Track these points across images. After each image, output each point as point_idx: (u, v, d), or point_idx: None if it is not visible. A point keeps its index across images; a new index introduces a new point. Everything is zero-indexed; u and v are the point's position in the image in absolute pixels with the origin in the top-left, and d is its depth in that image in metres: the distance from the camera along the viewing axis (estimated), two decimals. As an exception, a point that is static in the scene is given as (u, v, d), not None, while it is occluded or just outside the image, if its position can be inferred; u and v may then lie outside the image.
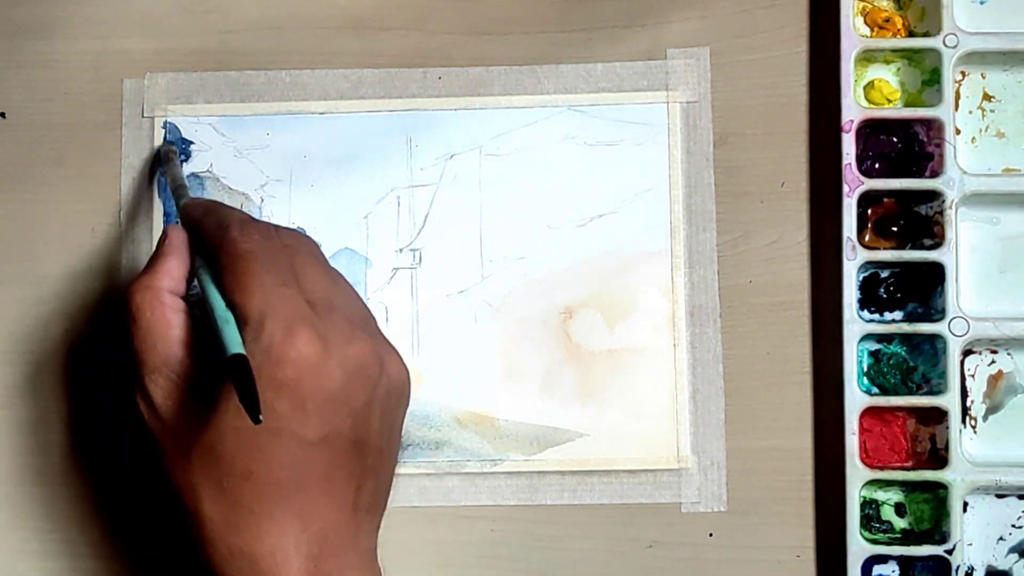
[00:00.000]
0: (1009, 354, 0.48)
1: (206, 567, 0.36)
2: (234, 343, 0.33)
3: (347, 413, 0.35)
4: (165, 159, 0.47)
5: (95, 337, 0.48)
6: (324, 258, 0.39)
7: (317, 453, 0.35)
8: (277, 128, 0.49)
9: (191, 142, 0.49)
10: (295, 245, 0.38)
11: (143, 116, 0.49)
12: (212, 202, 0.42)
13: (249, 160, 0.49)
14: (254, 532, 0.35)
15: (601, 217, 0.48)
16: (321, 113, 0.49)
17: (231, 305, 0.35)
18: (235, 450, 0.35)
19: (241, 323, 0.34)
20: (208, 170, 0.49)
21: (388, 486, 0.39)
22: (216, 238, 0.37)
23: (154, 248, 0.41)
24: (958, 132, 0.48)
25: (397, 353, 0.38)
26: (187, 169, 0.49)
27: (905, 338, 0.47)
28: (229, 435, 0.34)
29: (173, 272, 0.38)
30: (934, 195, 0.47)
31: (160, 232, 0.48)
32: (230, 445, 0.35)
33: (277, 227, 0.38)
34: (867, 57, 0.48)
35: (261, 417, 0.32)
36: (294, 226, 0.48)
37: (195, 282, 0.39)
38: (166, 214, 0.49)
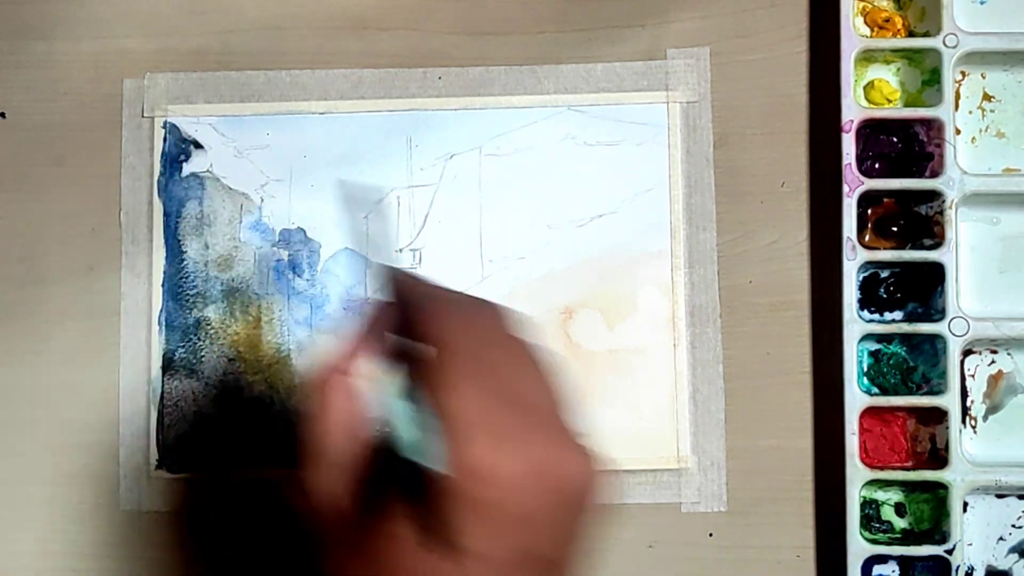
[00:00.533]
0: (1009, 354, 0.48)
1: None
2: (416, 443, 0.30)
3: (546, 535, 0.31)
4: (375, 212, 0.44)
5: (95, 337, 0.48)
6: (522, 333, 0.34)
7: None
8: (277, 128, 0.49)
9: (191, 142, 0.49)
10: (492, 325, 0.33)
11: (143, 116, 0.49)
12: (414, 276, 0.36)
13: (249, 160, 0.49)
14: None
15: (601, 217, 0.48)
16: (321, 113, 0.49)
17: (433, 405, 0.31)
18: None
19: (434, 429, 0.30)
20: (208, 170, 0.49)
21: None
22: (415, 322, 0.33)
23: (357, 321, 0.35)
24: (958, 132, 0.48)
25: (585, 449, 0.32)
26: (187, 169, 0.49)
27: (905, 338, 0.47)
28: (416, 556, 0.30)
29: (365, 356, 0.34)
30: (934, 195, 0.47)
31: (160, 231, 0.48)
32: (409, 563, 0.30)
33: (474, 301, 0.34)
34: (867, 57, 0.48)
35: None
36: (294, 227, 0.49)
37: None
38: (166, 214, 0.49)
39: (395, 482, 0.31)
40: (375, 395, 0.33)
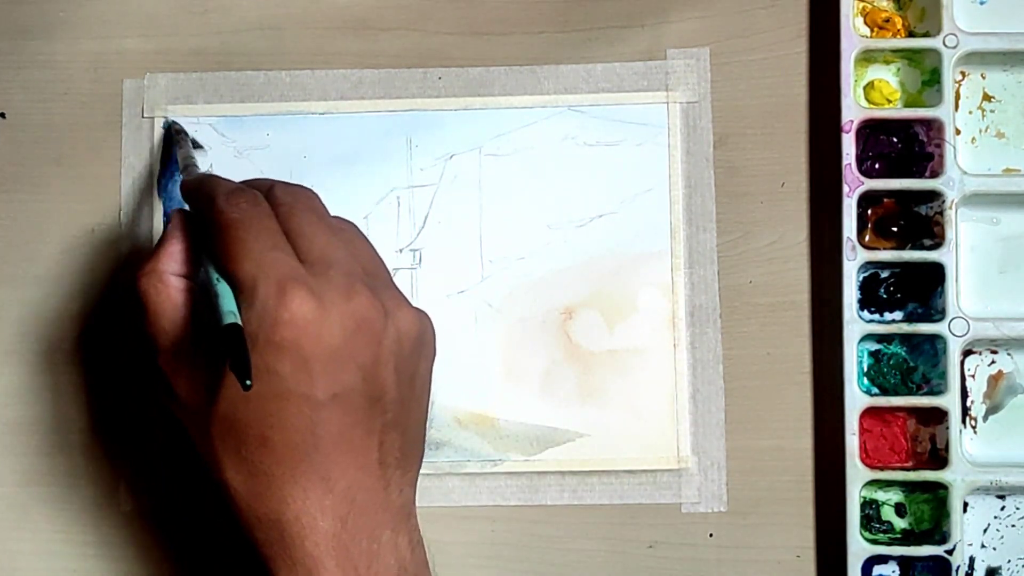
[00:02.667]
0: (1009, 354, 0.48)
1: (243, 538, 0.36)
2: (227, 313, 0.34)
3: (355, 368, 0.35)
4: (176, 139, 0.47)
5: (95, 337, 0.48)
6: (324, 211, 0.39)
7: (329, 412, 0.35)
8: (277, 128, 0.49)
9: (191, 142, 0.49)
10: (290, 203, 0.37)
11: (143, 116, 0.49)
12: (204, 176, 0.41)
13: (249, 160, 0.49)
14: (278, 498, 0.35)
15: (601, 217, 0.48)
16: (321, 113, 0.49)
17: (224, 275, 0.35)
18: (248, 418, 0.35)
19: (235, 291, 0.35)
20: (208, 170, 0.49)
21: (418, 438, 0.39)
22: (206, 211, 0.37)
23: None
24: (958, 132, 0.48)
25: (408, 303, 0.37)
26: (187, 169, 0.49)
27: (905, 338, 0.47)
28: (240, 404, 0.34)
29: (176, 254, 0.38)
30: (934, 195, 0.47)
31: (160, 231, 0.48)
32: (242, 414, 0.34)
33: (273, 185, 0.38)
34: (867, 57, 0.48)
35: (249, 383, 0.32)
36: (294, 226, 0.49)
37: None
38: (166, 214, 0.48)
39: (225, 350, 0.34)
40: (191, 281, 0.38)
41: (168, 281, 0.37)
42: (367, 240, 0.39)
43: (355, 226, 0.40)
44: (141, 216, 0.49)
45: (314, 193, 0.39)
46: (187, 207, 0.41)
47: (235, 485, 0.36)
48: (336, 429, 0.35)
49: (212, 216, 0.37)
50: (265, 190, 0.38)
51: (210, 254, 0.37)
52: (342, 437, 0.35)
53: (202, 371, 0.36)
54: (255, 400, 0.34)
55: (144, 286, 0.37)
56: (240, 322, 0.34)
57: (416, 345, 0.37)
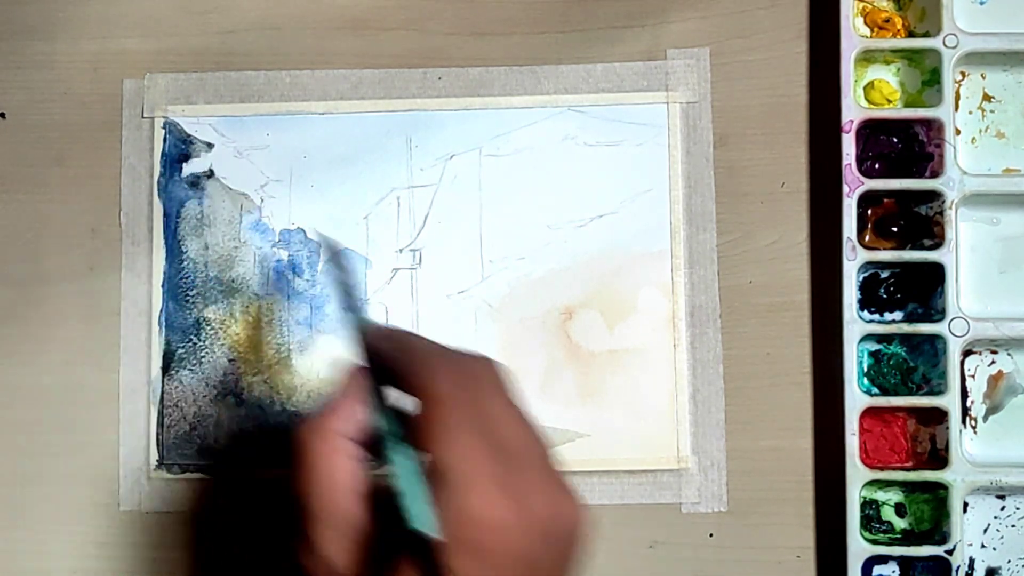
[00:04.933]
0: (1009, 354, 0.48)
1: None
2: (416, 515, 0.31)
3: (531, 574, 0.32)
4: (335, 263, 0.43)
5: (95, 337, 0.48)
6: (507, 384, 0.35)
7: None
8: (277, 128, 0.49)
9: (191, 142, 0.49)
10: (481, 377, 0.34)
11: (143, 116, 0.49)
12: (395, 331, 0.37)
13: (249, 160, 0.49)
14: None
15: (601, 217, 0.48)
16: (321, 113, 0.49)
17: (422, 454, 0.32)
18: None
19: (432, 476, 0.31)
20: (208, 170, 0.49)
21: None
22: (403, 377, 0.34)
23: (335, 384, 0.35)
24: (958, 132, 0.48)
25: (573, 494, 0.34)
26: (187, 170, 0.49)
27: (905, 338, 0.47)
28: None
29: (352, 415, 0.34)
30: (934, 195, 0.47)
31: (160, 231, 0.48)
32: None
33: (460, 355, 0.35)
34: (867, 57, 0.48)
35: None
36: (294, 227, 0.49)
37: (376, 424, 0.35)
38: (166, 214, 0.49)
39: (395, 536, 0.31)
40: (366, 452, 0.34)
41: (338, 444, 0.33)
42: (530, 414, 0.36)
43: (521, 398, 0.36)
44: (141, 216, 0.49)
45: (494, 363, 0.35)
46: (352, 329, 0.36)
47: None
48: None
49: (414, 384, 0.33)
50: (454, 358, 0.35)
51: (399, 422, 0.34)
52: None
53: (366, 553, 0.33)
54: None
55: (309, 444, 0.33)
56: (432, 529, 0.30)
57: (579, 540, 0.34)
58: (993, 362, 0.48)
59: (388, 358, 0.35)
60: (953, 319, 0.46)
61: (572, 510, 0.33)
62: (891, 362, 0.48)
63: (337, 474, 0.33)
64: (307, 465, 0.33)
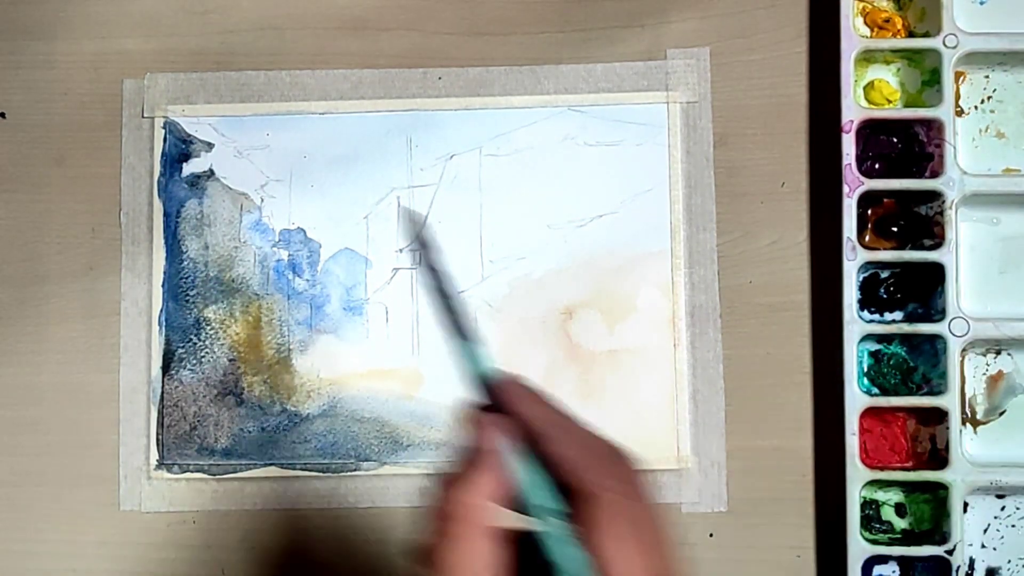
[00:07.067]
0: (1009, 354, 0.48)
1: None
2: None
3: None
4: (427, 259, 0.35)
5: (95, 337, 0.48)
6: (643, 476, 0.34)
7: None
8: (277, 128, 0.49)
9: (191, 142, 0.49)
10: (629, 470, 0.33)
11: (143, 116, 0.49)
12: (533, 394, 0.33)
13: (249, 160, 0.49)
14: None
15: (601, 217, 0.48)
16: (321, 113, 0.49)
17: (594, 558, 0.31)
18: None
19: (593, 566, 0.30)
20: (208, 170, 0.49)
21: None
22: (569, 471, 0.32)
23: (468, 442, 0.32)
24: (958, 124, 0.48)
25: None
26: (187, 169, 0.49)
27: (905, 338, 0.47)
28: None
29: (491, 489, 0.31)
30: (934, 195, 0.47)
31: (161, 231, 0.48)
32: None
33: (606, 444, 0.34)
34: (867, 57, 0.48)
35: None
36: (294, 227, 0.49)
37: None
38: (166, 214, 0.49)
39: None
40: (517, 534, 0.32)
41: (481, 523, 0.31)
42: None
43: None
44: (141, 216, 0.49)
45: (629, 452, 0.34)
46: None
47: None
48: None
49: (578, 479, 0.31)
50: (602, 446, 0.33)
51: (550, 491, 0.32)
52: None
53: None
54: None
55: (453, 517, 0.31)
56: None
57: None
58: (993, 362, 0.48)
59: (527, 425, 0.32)
60: (953, 319, 0.46)
61: None
62: (891, 362, 0.48)
63: (479, 559, 0.30)
64: (448, 543, 0.30)
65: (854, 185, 0.46)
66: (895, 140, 0.48)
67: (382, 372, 0.48)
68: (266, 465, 0.47)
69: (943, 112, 0.47)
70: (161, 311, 0.48)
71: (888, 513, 0.47)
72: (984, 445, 0.48)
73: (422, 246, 0.35)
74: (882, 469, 0.46)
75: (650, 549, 0.32)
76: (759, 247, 0.48)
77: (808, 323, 0.48)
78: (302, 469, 0.47)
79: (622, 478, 0.33)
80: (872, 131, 0.48)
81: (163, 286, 0.48)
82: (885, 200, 0.48)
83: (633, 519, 0.32)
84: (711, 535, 0.47)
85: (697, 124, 0.48)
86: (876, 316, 0.48)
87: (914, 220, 0.48)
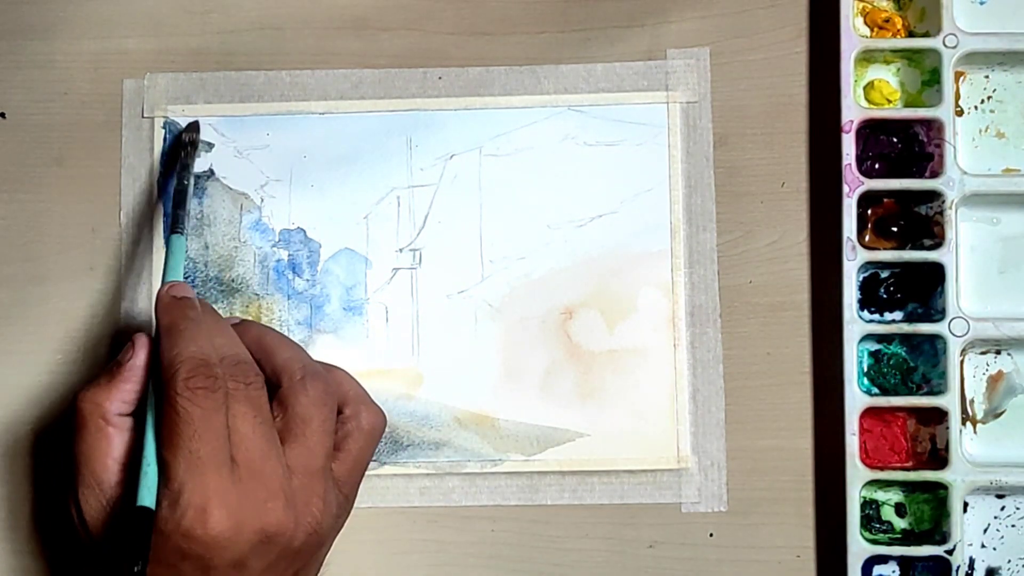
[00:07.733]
0: (1009, 354, 0.48)
1: None
2: (145, 495, 0.35)
3: (254, 572, 0.36)
4: (187, 151, 0.47)
5: (95, 337, 0.48)
6: (264, 397, 0.38)
7: None
8: (277, 128, 0.49)
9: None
10: (235, 393, 0.37)
11: (143, 116, 0.49)
12: (180, 307, 0.40)
13: (249, 160, 0.49)
14: None
15: (601, 217, 0.48)
16: (321, 113, 0.49)
17: (156, 453, 0.36)
18: None
19: (163, 479, 0.35)
20: (208, 170, 0.49)
21: None
22: (164, 377, 0.37)
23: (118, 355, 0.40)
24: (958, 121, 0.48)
25: (319, 499, 0.38)
26: (187, 169, 0.49)
27: (905, 338, 0.47)
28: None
29: (126, 394, 0.39)
30: (934, 195, 0.47)
31: (161, 231, 0.48)
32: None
33: (221, 359, 0.38)
34: (867, 57, 0.48)
35: (138, 570, 0.34)
36: (294, 227, 0.49)
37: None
38: (166, 214, 0.49)
39: (131, 518, 0.35)
40: (127, 437, 0.38)
41: (110, 419, 0.38)
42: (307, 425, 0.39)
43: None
44: (141, 216, 0.49)
45: (256, 371, 0.38)
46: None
47: None
48: None
49: (167, 394, 0.36)
50: (217, 361, 0.37)
51: (152, 417, 0.37)
52: None
53: (115, 519, 0.37)
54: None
55: (85, 414, 0.38)
56: (152, 508, 0.35)
57: (314, 547, 0.38)
58: (993, 362, 0.48)
59: (162, 345, 0.38)
60: (953, 319, 0.46)
61: (301, 515, 0.37)
62: (891, 362, 0.48)
63: (105, 447, 0.38)
64: (81, 434, 0.38)
65: (854, 185, 0.46)
66: (895, 140, 0.48)
67: (382, 372, 0.48)
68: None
69: (943, 112, 0.47)
70: (161, 311, 0.48)
71: (888, 513, 0.47)
72: (984, 445, 0.48)
73: (189, 144, 0.46)
74: (882, 469, 0.46)
75: (230, 471, 0.36)
76: (759, 247, 0.48)
77: (808, 323, 0.48)
78: (302, 469, 0.47)
79: (222, 401, 0.37)
80: (872, 131, 0.48)
81: (163, 286, 0.48)
82: (885, 200, 0.48)
83: (222, 441, 0.36)
84: (711, 535, 0.47)
85: (697, 124, 0.49)
86: (876, 316, 0.48)
87: (914, 220, 0.48)
